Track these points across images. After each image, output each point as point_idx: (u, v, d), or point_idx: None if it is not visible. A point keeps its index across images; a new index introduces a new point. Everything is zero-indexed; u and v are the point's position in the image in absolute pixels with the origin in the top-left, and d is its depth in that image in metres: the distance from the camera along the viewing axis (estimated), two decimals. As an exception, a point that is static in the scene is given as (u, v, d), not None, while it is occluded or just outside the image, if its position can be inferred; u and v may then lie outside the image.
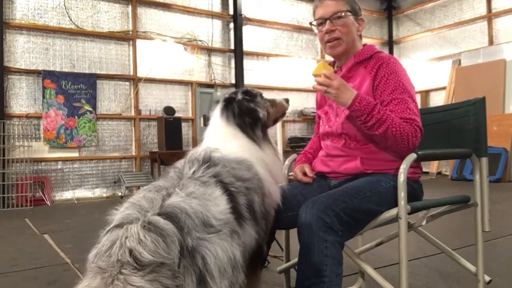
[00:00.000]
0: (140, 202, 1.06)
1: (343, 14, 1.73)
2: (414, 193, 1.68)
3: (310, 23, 1.85)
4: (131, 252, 0.91)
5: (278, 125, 7.90)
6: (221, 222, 1.09)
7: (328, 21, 1.74)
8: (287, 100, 1.82)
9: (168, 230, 0.97)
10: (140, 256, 0.91)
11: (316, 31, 1.83)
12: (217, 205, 1.13)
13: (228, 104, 1.67)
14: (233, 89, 9.71)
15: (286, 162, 2.18)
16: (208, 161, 1.34)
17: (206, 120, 8.35)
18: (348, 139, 1.73)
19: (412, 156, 1.53)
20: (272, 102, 1.76)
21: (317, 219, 1.41)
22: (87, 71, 7.46)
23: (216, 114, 1.68)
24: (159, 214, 1.01)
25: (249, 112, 1.64)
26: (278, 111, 1.78)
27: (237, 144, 1.55)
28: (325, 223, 1.41)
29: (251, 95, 1.70)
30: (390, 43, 11.58)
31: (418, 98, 10.36)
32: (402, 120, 1.59)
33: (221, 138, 1.59)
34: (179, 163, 1.36)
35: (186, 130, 8.44)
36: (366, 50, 1.78)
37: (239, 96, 1.68)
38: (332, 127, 1.79)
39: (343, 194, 1.53)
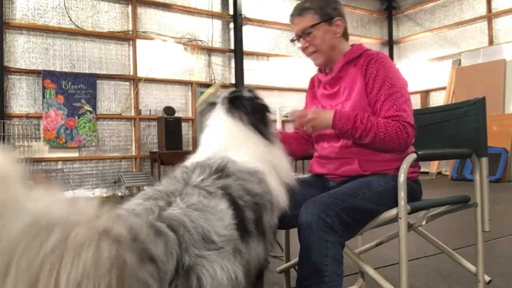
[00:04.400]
0: (135, 211, 0.97)
1: (310, 30, 1.74)
2: (413, 192, 1.68)
3: (291, 40, 1.87)
4: None
5: (278, 125, 7.92)
6: (224, 239, 0.99)
7: (301, 39, 1.78)
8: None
9: (170, 237, 0.89)
10: None
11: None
12: (221, 220, 1.04)
13: (236, 102, 1.52)
14: (232, 89, 9.75)
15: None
16: (221, 171, 1.24)
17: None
18: (345, 141, 1.73)
19: (412, 156, 1.53)
20: None
21: (318, 219, 1.41)
22: (87, 71, 7.46)
23: (221, 114, 1.52)
24: None
25: (262, 109, 1.54)
26: None
27: (252, 149, 1.45)
28: (325, 223, 1.41)
29: (254, 92, 1.60)
30: (390, 43, 11.58)
31: (418, 98, 10.37)
32: (388, 120, 1.59)
33: (232, 140, 1.45)
34: (189, 165, 1.27)
35: (186, 130, 8.44)
36: (355, 49, 1.79)
37: (246, 94, 1.55)
38: (328, 130, 1.80)
39: (343, 194, 1.53)
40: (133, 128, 7.92)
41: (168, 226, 0.92)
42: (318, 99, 1.89)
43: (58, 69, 7.19)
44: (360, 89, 1.69)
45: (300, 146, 1.96)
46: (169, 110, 8.02)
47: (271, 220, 1.33)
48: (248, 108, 1.51)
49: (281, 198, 1.44)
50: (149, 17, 8.17)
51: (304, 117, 1.63)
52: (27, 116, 6.91)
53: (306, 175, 2.23)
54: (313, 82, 2.00)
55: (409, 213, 1.54)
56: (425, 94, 10.53)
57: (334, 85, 1.81)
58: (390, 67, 1.69)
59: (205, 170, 1.22)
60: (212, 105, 1.57)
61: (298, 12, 1.78)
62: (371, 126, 1.58)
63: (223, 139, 1.47)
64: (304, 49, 1.81)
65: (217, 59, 8.99)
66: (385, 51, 11.01)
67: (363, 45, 1.83)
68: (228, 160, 1.30)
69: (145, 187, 6.40)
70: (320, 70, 1.93)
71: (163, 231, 0.89)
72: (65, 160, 7.21)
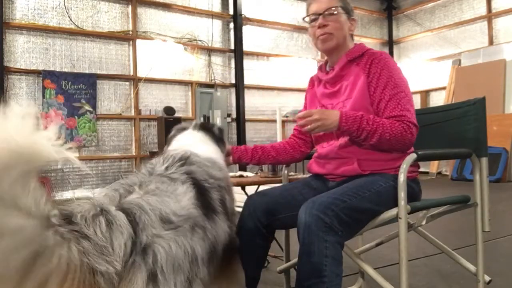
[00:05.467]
0: (100, 199, 1.07)
1: (335, 11, 1.75)
2: (412, 192, 1.68)
3: (303, 19, 1.87)
4: None
5: (278, 125, 7.92)
6: (182, 218, 1.10)
7: (321, 17, 1.76)
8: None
9: (117, 218, 0.98)
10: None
11: (308, 27, 1.85)
12: (179, 202, 1.15)
13: (201, 124, 1.86)
14: (233, 90, 9.71)
15: (286, 162, 2.18)
16: (184, 159, 1.39)
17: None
18: (344, 141, 1.72)
19: (412, 156, 1.53)
20: None
21: (317, 219, 1.41)
22: (87, 71, 7.46)
23: (189, 129, 1.83)
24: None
25: (219, 129, 1.88)
26: None
27: (211, 148, 1.71)
28: (324, 223, 1.41)
29: (222, 131, 1.94)
30: (390, 43, 11.59)
31: (418, 98, 10.38)
32: (392, 120, 1.59)
33: (195, 141, 1.72)
34: (155, 159, 1.41)
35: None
36: (357, 48, 1.79)
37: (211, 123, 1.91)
38: (327, 136, 1.80)
39: (343, 194, 1.53)
40: (133, 128, 7.92)
41: (123, 209, 1.02)
42: (318, 98, 1.89)
43: (58, 69, 7.19)
44: (362, 88, 1.69)
45: (294, 152, 2.00)
46: (169, 110, 8.02)
47: (231, 203, 1.50)
48: (209, 125, 1.86)
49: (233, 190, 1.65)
50: (149, 17, 8.17)
51: (309, 116, 1.61)
52: (27, 116, 6.91)
53: (306, 175, 2.24)
54: (312, 81, 2.00)
55: (409, 213, 1.54)
56: (425, 94, 10.53)
57: (335, 83, 1.81)
58: (393, 66, 1.70)
59: (169, 160, 1.36)
60: (182, 130, 1.84)
61: None
62: (377, 127, 1.57)
63: (188, 141, 1.73)
64: (320, 27, 1.76)
65: (217, 59, 9.00)
66: (385, 51, 11.01)
67: (365, 45, 1.83)
68: (191, 152, 1.47)
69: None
70: (320, 69, 1.93)
71: (110, 214, 0.98)
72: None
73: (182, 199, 1.17)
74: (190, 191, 1.22)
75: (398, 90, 1.64)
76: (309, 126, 1.61)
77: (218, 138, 1.82)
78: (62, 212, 0.94)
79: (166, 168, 1.31)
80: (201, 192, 1.27)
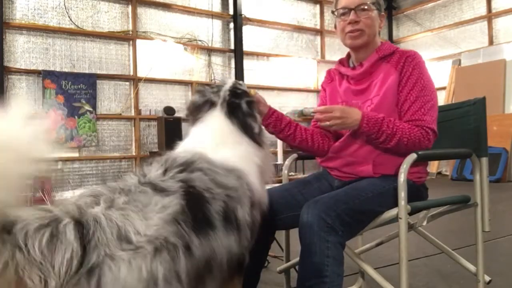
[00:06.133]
0: (64, 207, 1.01)
1: (368, 6, 1.70)
2: (420, 196, 1.68)
3: (332, 12, 1.80)
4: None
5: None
6: (145, 238, 1.00)
7: (352, 12, 1.70)
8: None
9: (64, 232, 0.92)
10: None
11: (338, 20, 1.77)
12: (149, 218, 1.04)
13: (233, 105, 1.57)
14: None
15: (286, 162, 2.18)
16: (186, 165, 1.26)
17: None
18: (362, 141, 1.69)
19: (412, 156, 1.53)
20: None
21: (319, 219, 1.41)
22: (87, 71, 7.45)
23: (217, 113, 1.56)
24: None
25: (255, 115, 1.59)
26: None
27: (237, 150, 1.48)
28: (326, 223, 1.41)
29: (253, 97, 1.64)
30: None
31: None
32: (412, 125, 1.58)
33: (221, 139, 1.50)
34: (156, 161, 1.30)
35: (186, 130, 8.42)
36: (387, 46, 1.76)
37: (244, 105, 1.58)
38: (343, 131, 1.76)
39: (345, 195, 1.53)
40: (133, 128, 7.92)
41: (78, 223, 0.95)
42: (340, 94, 1.82)
43: (58, 69, 7.19)
44: (392, 86, 1.66)
45: (323, 141, 1.84)
46: (169, 110, 8.02)
47: (249, 215, 1.35)
48: (244, 112, 1.56)
49: (262, 197, 1.47)
50: (149, 17, 8.16)
51: (329, 112, 1.55)
52: (27, 116, 6.90)
53: (306, 175, 2.23)
54: (331, 75, 1.93)
55: (409, 214, 1.54)
56: (425, 94, 10.52)
57: (363, 80, 1.75)
58: (424, 67, 1.68)
59: (167, 164, 1.26)
60: (212, 104, 1.59)
61: None
62: (396, 131, 1.56)
63: (210, 137, 1.52)
64: (351, 23, 1.70)
65: (217, 59, 8.99)
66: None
67: (392, 43, 1.81)
68: (199, 156, 1.33)
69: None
70: (341, 64, 1.87)
71: (59, 227, 0.92)
72: (65, 160, 7.20)
73: (154, 216, 1.05)
74: (175, 204, 1.10)
75: (424, 93, 1.62)
76: (328, 122, 1.56)
77: (250, 127, 1.54)
78: (5, 220, 0.90)
79: (163, 173, 1.22)
80: (196, 204, 1.16)
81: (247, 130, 1.54)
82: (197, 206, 1.16)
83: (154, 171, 1.24)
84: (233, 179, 1.33)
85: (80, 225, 0.94)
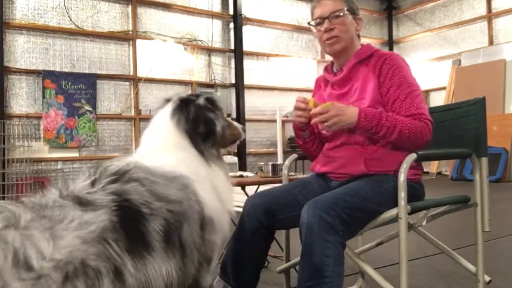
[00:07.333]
0: None
1: (341, 13, 1.74)
2: (417, 194, 1.68)
3: (309, 23, 1.85)
4: None
5: (278, 125, 7.92)
6: (52, 264, 0.82)
7: (326, 20, 1.74)
8: (243, 129, 1.61)
9: None
10: None
11: (314, 31, 1.83)
12: (60, 238, 0.86)
13: (183, 106, 1.40)
14: (233, 90, 9.68)
15: (286, 162, 2.18)
16: (119, 175, 1.07)
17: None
18: (353, 139, 1.71)
19: (412, 156, 1.53)
20: (229, 123, 1.53)
21: (319, 219, 1.41)
22: (87, 71, 7.45)
23: (165, 114, 1.40)
24: None
25: (206, 121, 1.38)
26: (231, 134, 1.54)
27: (181, 156, 1.28)
28: (327, 223, 1.41)
29: (214, 104, 1.44)
30: (390, 43, 11.58)
31: (418, 98, 10.35)
32: (411, 118, 1.59)
33: (162, 144, 1.33)
34: (89, 169, 1.13)
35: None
36: (365, 49, 1.78)
37: (200, 101, 1.42)
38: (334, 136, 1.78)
39: (345, 194, 1.53)
40: (133, 128, 7.92)
41: None
42: (325, 100, 1.85)
43: (58, 69, 7.19)
44: (373, 89, 1.68)
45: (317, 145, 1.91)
46: (169, 110, 8.02)
47: (198, 234, 1.14)
48: (191, 114, 1.37)
49: (215, 215, 1.24)
50: (149, 17, 8.17)
51: (325, 112, 1.55)
52: (27, 116, 6.90)
53: (306, 175, 2.23)
54: (319, 83, 1.97)
55: (409, 213, 1.54)
56: (425, 94, 10.52)
57: (344, 85, 1.79)
58: (404, 66, 1.70)
59: (97, 174, 1.08)
60: (166, 101, 1.47)
61: None
62: (396, 123, 1.57)
63: (153, 141, 1.37)
64: (326, 31, 1.74)
65: (217, 59, 8.99)
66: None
67: (372, 45, 1.82)
68: (135, 165, 1.14)
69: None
70: (326, 70, 1.91)
71: None
72: (65, 160, 7.21)
73: (68, 235, 0.87)
74: (102, 220, 0.93)
75: (412, 89, 1.65)
76: (326, 123, 1.56)
77: (201, 134, 1.35)
78: None
79: (91, 184, 1.04)
80: (131, 220, 0.98)
81: (196, 131, 1.33)
82: (132, 223, 0.99)
83: (80, 182, 1.06)
84: (177, 189, 1.14)
85: None
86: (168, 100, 1.46)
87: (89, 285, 0.86)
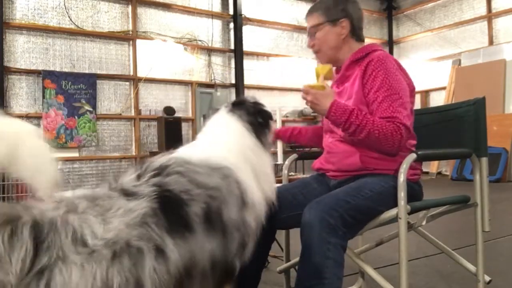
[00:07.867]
0: (29, 208, 1.00)
1: (319, 27, 1.81)
2: (415, 194, 1.68)
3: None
4: None
5: (279, 125, 7.92)
6: (103, 242, 0.97)
7: (308, 37, 1.86)
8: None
9: (21, 230, 0.91)
10: None
11: None
12: (109, 223, 1.01)
13: (238, 105, 1.59)
14: (233, 90, 9.67)
15: (286, 162, 2.18)
16: (160, 169, 1.22)
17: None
18: (345, 139, 1.72)
19: (412, 156, 1.53)
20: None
21: (321, 220, 1.41)
22: (87, 71, 7.45)
23: (223, 115, 1.57)
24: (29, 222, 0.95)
25: (263, 112, 1.59)
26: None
27: (233, 145, 1.44)
28: (329, 224, 1.41)
29: (259, 102, 1.65)
30: (390, 43, 11.58)
31: (418, 98, 10.36)
32: (383, 120, 1.58)
33: (217, 137, 1.50)
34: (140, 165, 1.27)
35: (186, 130, 8.44)
36: (362, 49, 1.78)
37: (250, 99, 1.63)
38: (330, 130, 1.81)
39: (346, 194, 1.53)
40: (133, 128, 7.92)
41: (35, 223, 0.93)
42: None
43: (58, 69, 7.19)
44: (358, 89, 1.69)
45: (314, 137, 2.04)
46: (169, 110, 8.02)
47: (237, 216, 1.28)
48: (250, 109, 1.56)
49: (256, 199, 1.37)
50: (149, 17, 8.17)
51: (306, 94, 1.65)
52: (27, 116, 6.90)
53: (306, 175, 2.23)
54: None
55: (409, 213, 1.54)
56: (425, 94, 10.52)
57: (341, 84, 1.82)
58: (390, 68, 1.66)
59: (142, 169, 1.22)
60: (216, 110, 1.63)
61: (309, 10, 1.88)
62: (366, 123, 1.56)
63: (206, 136, 1.52)
64: (310, 48, 1.87)
65: (217, 59, 8.99)
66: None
67: (374, 45, 1.82)
68: (176, 160, 1.28)
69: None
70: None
71: (18, 224, 0.91)
72: (65, 160, 7.21)
73: (115, 220, 1.02)
74: (143, 207, 1.07)
75: (391, 92, 1.62)
76: (307, 105, 1.67)
77: (257, 124, 1.53)
78: None
79: (137, 178, 1.19)
80: (171, 206, 1.12)
81: (256, 122, 1.54)
82: (172, 209, 1.12)
83: (127, 176, 1.21)
84: (218, 178, 1.27)
85: (37, 225, 0.93)
86: (216, 109, 1.61)
87: (133, 261, 0.99)
